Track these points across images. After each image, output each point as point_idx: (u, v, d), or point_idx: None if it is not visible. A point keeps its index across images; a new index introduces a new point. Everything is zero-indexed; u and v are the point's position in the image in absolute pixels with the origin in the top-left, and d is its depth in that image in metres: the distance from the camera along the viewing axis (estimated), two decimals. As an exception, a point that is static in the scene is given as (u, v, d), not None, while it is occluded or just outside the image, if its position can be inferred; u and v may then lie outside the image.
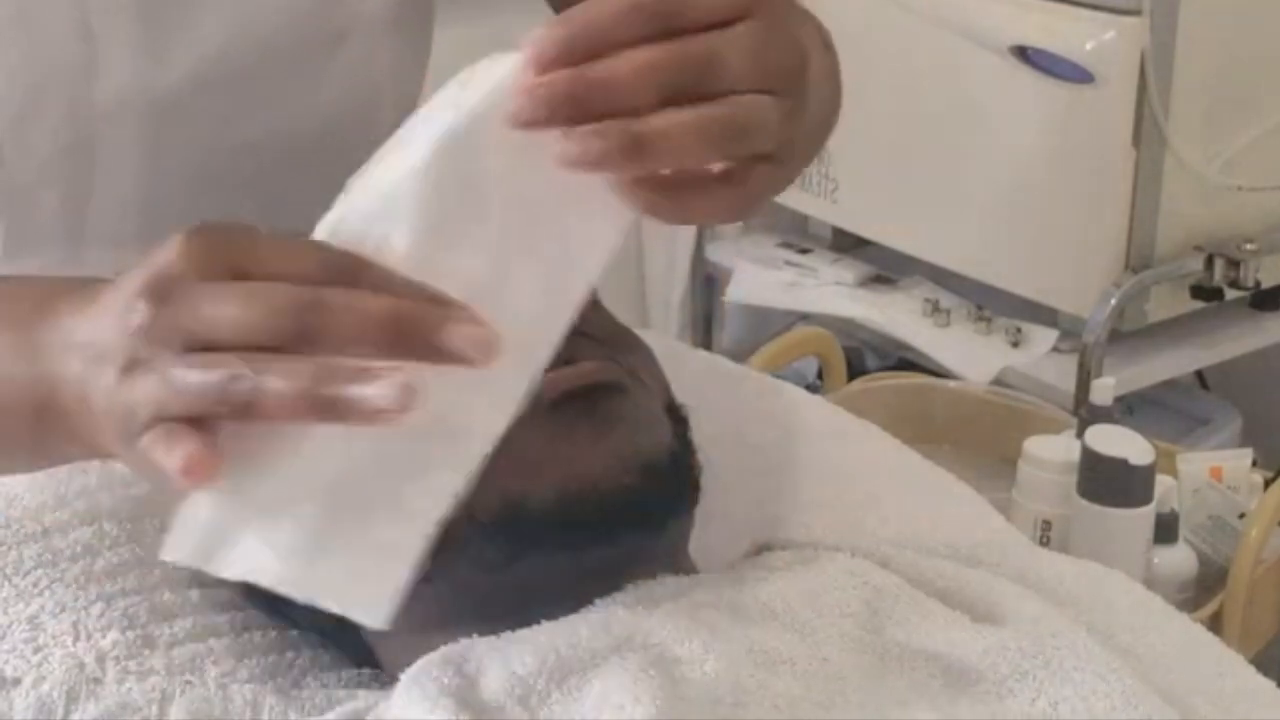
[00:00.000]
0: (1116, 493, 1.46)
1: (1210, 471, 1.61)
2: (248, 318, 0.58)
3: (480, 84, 0.59)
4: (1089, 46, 1.78)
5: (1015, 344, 1.90)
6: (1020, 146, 1.87)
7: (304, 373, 0.57)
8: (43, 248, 0.96)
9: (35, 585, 0.88)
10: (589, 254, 0.59)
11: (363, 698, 0.79)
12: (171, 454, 0.59)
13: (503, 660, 0.72)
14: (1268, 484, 1.60)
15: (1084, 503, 1.47)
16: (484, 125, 0.58)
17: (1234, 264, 1.79)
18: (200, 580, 0.91)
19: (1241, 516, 1.57)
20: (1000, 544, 0.96)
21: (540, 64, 0.58)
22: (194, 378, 0.59)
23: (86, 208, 0.95)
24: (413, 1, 1.01)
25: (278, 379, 0.57)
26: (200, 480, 0.59)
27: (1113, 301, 1.77)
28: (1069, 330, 1.87)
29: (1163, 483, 1.52)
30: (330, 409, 0.57)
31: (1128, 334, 1.83)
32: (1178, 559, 1.53)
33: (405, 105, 1.05)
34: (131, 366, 0.61)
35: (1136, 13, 1.73)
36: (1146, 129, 1.76)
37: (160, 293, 0.61)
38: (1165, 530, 1.51)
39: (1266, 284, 1.84)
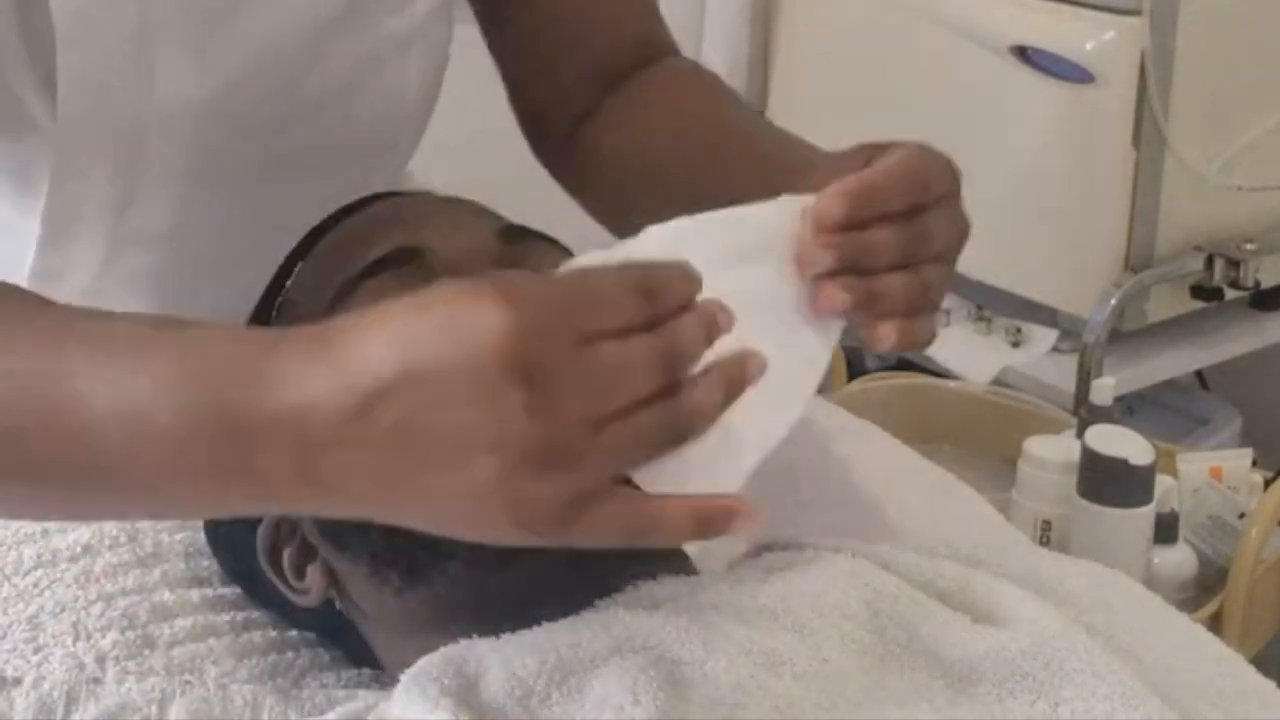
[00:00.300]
0: (1116, 493, 1.46)
1: (1210, 471, 1.61)
2: (635, 381, 0.63)
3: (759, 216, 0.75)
4: (1089, 46, 1.77)
5: (1015, 344, 1.90)
6: (1020, 146, 1.86)
7: (718, 391, 0.66)
8: (80, 243, 0.96)
9: (35, 585, 0.88)
10: (813, 354, 0.76)
11: (362, 698, 0.79)
12: (711, 516, 0.66)
13: (502, 661, 0.72)
14: (1268, 484, 1.60)
15: (1084, 503, 1.47)
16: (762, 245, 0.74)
17: (1234, 264, 1.79)
18: (200, 580, 0.91)
19: (1241, 516, 1.56)
20: (1000, 544, 0.96)
21: (826, 224, 0.74)
22: (634, 445, 0.64)
23: (129, 206, 0.96)
24: (438, 16, 1.02)
25: (706, 404, 0.66)
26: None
27: (1113, 301, 1.77)
28: (1069, 330, 1.87)
29: (1163, 483, 1.52)
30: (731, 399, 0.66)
31: (1128, 334, 1.83)
32: (1178, 559, 1.53)
33: (424, 116, 1.06)
34: (515, 473, 0.61)
35: (1136, 13, 1.73)
36: (1146, 129, 1.76)
37: (530, 377, 0.61)
38: (1165, 530, 1.51)
39: (1266, 284, 1.84)
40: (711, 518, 0.66)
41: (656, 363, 0.63)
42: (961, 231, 0.80)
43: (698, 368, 0.66)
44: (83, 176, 0.93)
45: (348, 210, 0.91)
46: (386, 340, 0.62)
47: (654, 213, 0.76)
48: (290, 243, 0.90)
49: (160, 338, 0.68)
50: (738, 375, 0.67)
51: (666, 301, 0.64)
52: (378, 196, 0.93)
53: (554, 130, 1.06)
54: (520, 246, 0.87)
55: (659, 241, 0.72)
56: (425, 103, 1.06)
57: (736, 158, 0.92)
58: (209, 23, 0.92)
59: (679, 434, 0.65)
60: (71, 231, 0.96)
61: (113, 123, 0.92)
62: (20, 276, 0.96)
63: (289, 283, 0.89)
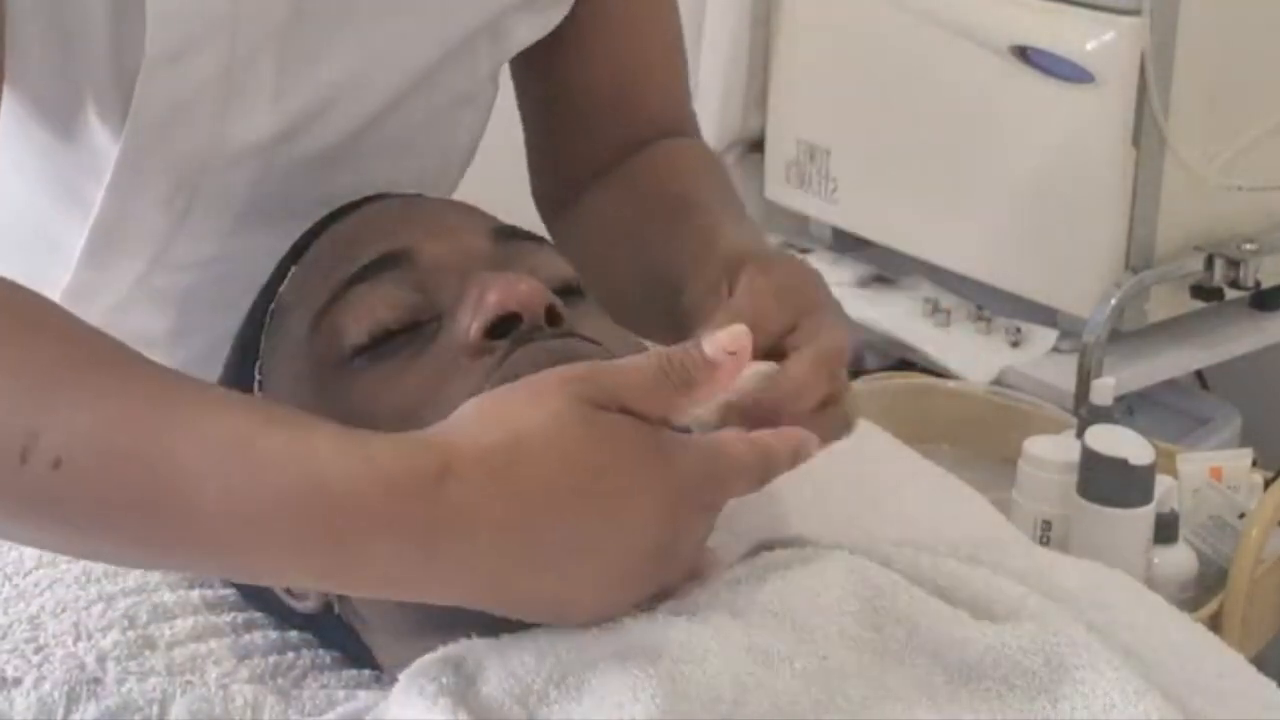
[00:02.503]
0: (1116, 493, 1.46)
1: (1210, 471, 1.60)
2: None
3: None
4: (1089, 46, 1.78)
5: (1015, 344, 1.90)
6: (1020, 147, 1.86)
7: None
8: (121, 265, 0.96)
9: (36, 585, 0.88)
10: None
11: (363, 698, 0.79)
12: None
13: (501, 660, 0.72)
14: (1268, 484, 1.60)
15: (1084, 503, 1.47)
16: None
17: (1234, 264, 1.78)
18: (200, 581, 0.91)
19: (1241, 516, 1.56)
20: (1000, 543, 0.96)
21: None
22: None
23: (175, 235, 0.95)
24: (493, 77, 1.04)
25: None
26: None
27: (1113, 301, 1.77)
28: (1069, 330, 1.87)
29: (1163, 483, 1.51)
30: None
31: (1128, 334, 1.83)
32: (1178, 559, 1.53)
33: (466, 165, 1.08)
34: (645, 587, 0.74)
35: (1136, 13, 1.73)
36: (1146, 129, 1.76)
37: (664, 550, 0.72)
38: (1165, 530, 1.51)
39: (1266, 284, 1.84)
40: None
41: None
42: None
43: None
44: (135, 202, 0.93)
45: (338, 214, 0.91)
46: (549, 503, 0.69)
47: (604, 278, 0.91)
48: None
49: (268, 442, 0.70)
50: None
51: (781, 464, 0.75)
52: (368, 199, 0.92)
53: (559, 195, 1.08)
54: (511, 247, 0.87)
55: None
56: (469, 154, 1.07)
57: (665, 234, 0.96)
58: (292, 68, 0.92)
59: None
60: (115, 253, 0.95)
61: (176, 154, 0.92)
62: (53, 289, 0.96)
63: (282, 287, 0.89)
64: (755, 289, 0.83)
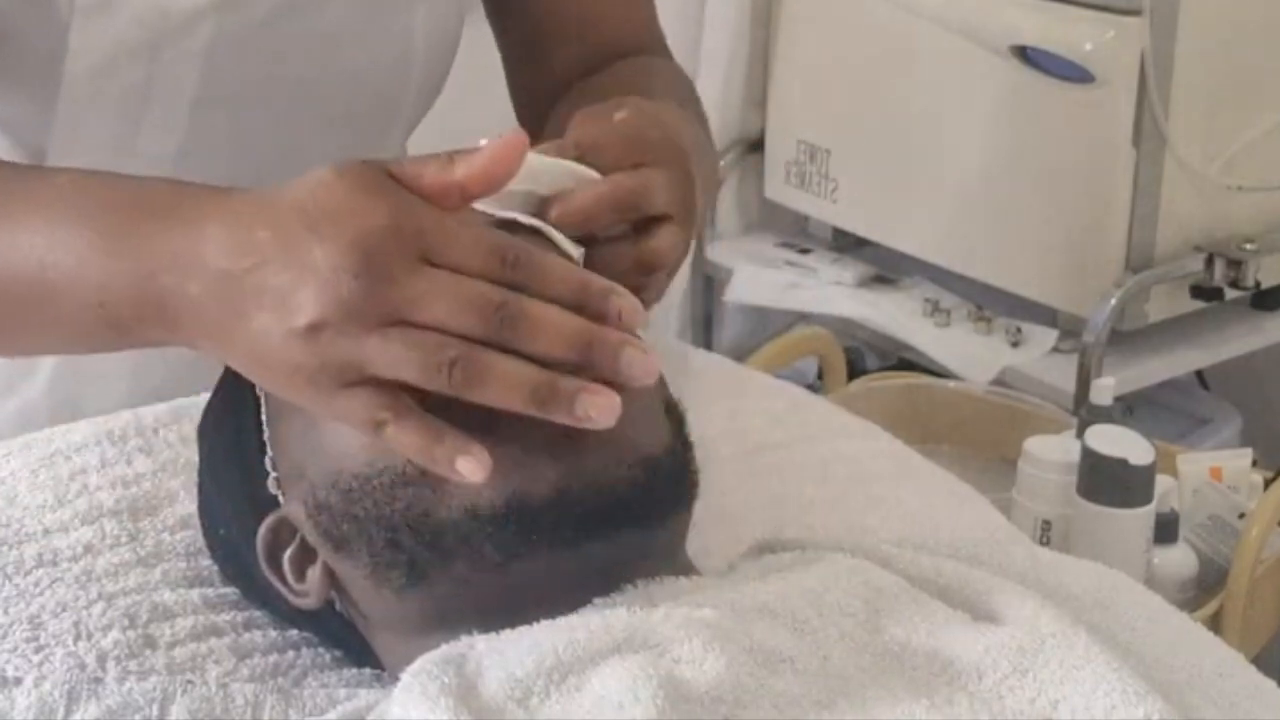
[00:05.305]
0: (1116, 493, 1.46)
1: (1210, 471, 1.61)
2: (453, 312, 0.69)
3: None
4: (1089, 46, 1.78)
5: (1015, 344, 1.91)
6: (1020, 146, 1.87)
7: (532, 374, 0.70)
8: (90, 153, 0.97)
9: (36, 585, 0.88)
10: None
11: (363, 697, 0.79)
12: (441, 446, 0.70)
13: (501, 661, 0.72)
14: (1268, 484, 1.60)
15: (1084, 503, 1.47)
16: None
17: (1234, 264, 1.79)
18: (201, 580, 0.91)
19: (1241, 516, 1.57)
20: (1000, 544, 0.96)
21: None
22: (405, 358, 0.69)
23: (140, 119, 0.98)
24: None
25: (509, 370, 0.70)
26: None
27: (1113, 301, 1.77)
28: (1069, 330, 1.87)
29: (1163, 483, 1.52)
30: (547, 409, 0.70)
31: (1128, 334, 1.83)
32: (1178, 559, 1.53)
33: (429, 84, 1.09)
34: (324, 327, 0.69)
35: (1136, 13, 1.74)
36: (1146, 129, 1.76)
37: (366, 270, 0.69)
38: (1165, 530, 1.51)
39: (1266, 284, 1.84)
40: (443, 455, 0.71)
41: (473, 309, 0.69)
42: (685, 200, 0.81)
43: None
44: (97, 70, 0.96)
45: None
46: (273, 210, 0.72)
47: None
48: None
49: (96, 178, 0.79)
50: (555, 405, 0.70)
51: (527, 277, 0.71)
52: None
53: (536, 115, 1.08)
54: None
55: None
56: (429, 68, 1.08)
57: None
58: None
59: (454, 376, 0.69)
60: (81, 135, 0.98)
61: (130, 16, 0.94)
62: None
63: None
64: (591, 132, 0.81)
